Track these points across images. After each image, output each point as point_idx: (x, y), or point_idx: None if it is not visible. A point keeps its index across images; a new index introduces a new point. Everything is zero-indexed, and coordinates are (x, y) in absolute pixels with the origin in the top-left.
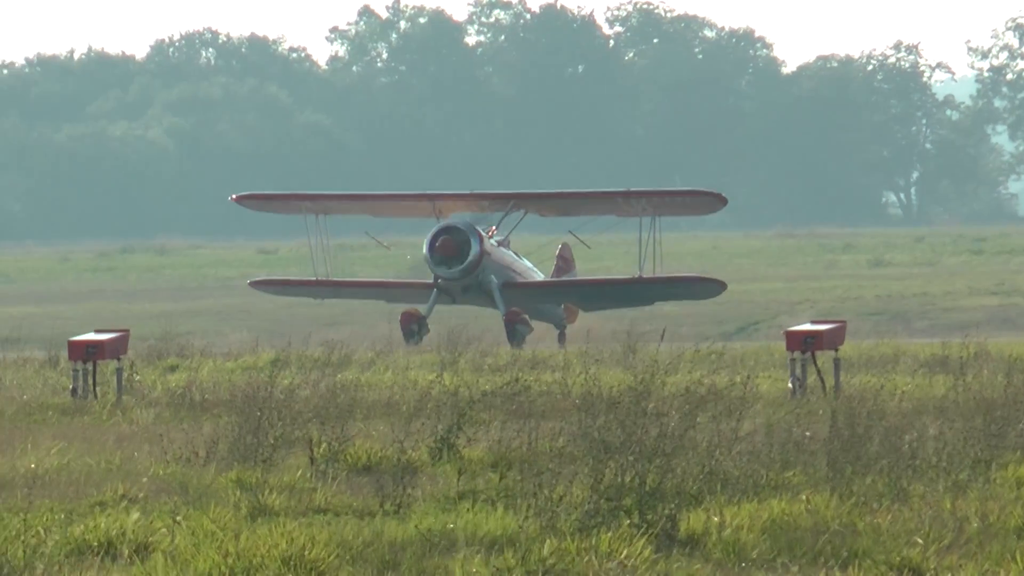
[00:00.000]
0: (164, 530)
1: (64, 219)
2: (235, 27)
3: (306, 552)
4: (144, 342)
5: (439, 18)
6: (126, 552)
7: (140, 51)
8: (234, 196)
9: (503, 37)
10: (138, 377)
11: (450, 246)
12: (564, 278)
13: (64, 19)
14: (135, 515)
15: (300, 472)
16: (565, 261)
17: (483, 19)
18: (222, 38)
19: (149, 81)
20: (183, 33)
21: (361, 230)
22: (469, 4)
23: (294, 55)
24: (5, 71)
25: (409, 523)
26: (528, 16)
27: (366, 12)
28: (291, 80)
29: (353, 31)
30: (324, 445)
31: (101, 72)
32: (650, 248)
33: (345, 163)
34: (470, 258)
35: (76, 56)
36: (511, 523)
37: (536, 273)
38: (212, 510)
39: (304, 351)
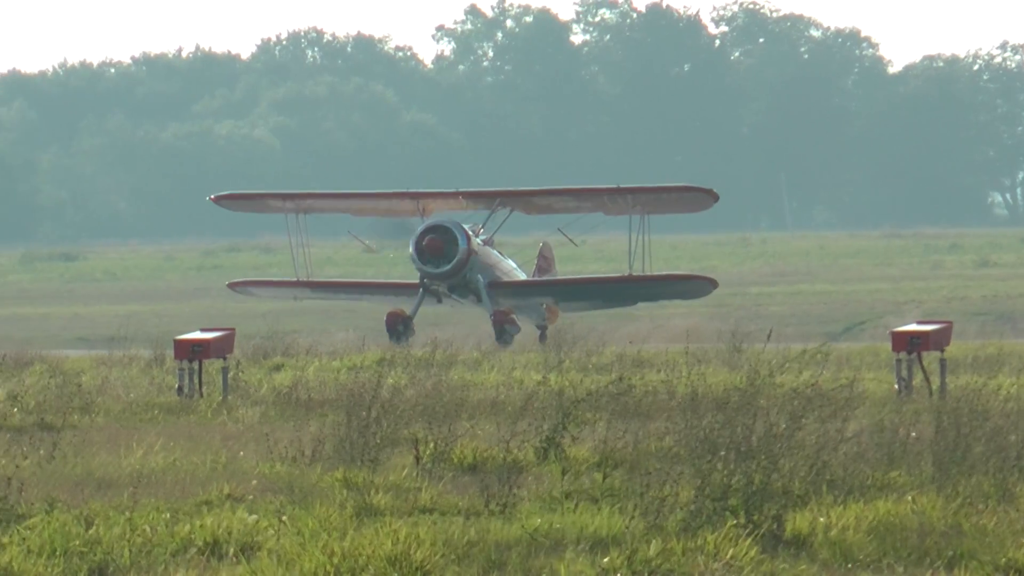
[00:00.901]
0: (270, 529)
1: (169, 217)
2: (341, 26)
3: (411, 552)
4: (250, 341)
5: (544, 17)
6: (231, 551)
7: (246, 50)
8: (212, 196)
9: (608, 36)
10: (244, 376)
11: (437, 245)
12: (547, 277)
13: (170, 18)
14: (241, 514)
15: (406, 472)
16: (546, 260)
17: (589, 18)
18: (327, 37)
19: (255, 80)
20: (289, 32)
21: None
22: (575, 3)
23: (400, 54)
24: (112, 70)
25: (515, 523)
26: (634, 15)
27: (472, 11)
28: (396, 79)
29: (459, 30)
30: (430, 445)
31: (207, 71)
32: (651, 248)
33: (449, 162)
34: (457, 257)
35: (183, 55)
36: (617, 523)
37: (519, 273)
38: (318, 509)
39: (409, 350)
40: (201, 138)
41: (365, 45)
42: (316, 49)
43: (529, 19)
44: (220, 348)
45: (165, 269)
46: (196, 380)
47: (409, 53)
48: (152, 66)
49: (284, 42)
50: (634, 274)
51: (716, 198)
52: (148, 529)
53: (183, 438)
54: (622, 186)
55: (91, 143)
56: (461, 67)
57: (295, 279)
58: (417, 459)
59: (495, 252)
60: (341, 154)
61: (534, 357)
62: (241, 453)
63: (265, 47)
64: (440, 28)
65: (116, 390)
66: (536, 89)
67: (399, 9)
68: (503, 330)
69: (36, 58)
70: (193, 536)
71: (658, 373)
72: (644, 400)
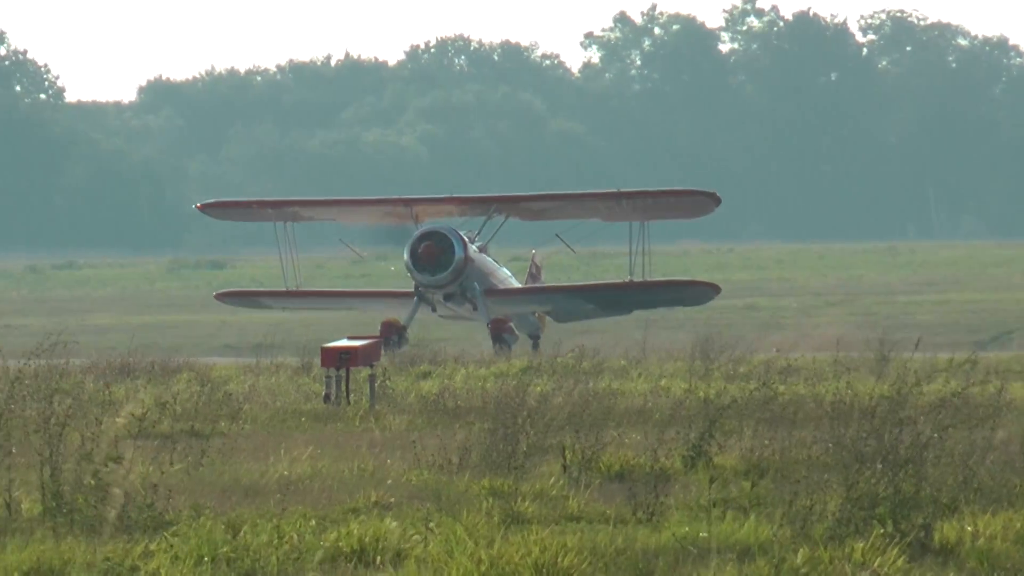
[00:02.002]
0: (417, 537)
1: (317, 225)
2: (488, 33)
3: (559, 560)
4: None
5: (692, 25)
6: (379, 559)
7: (393, 57)
8: (199, 204)
9: (756, 45)
10: (391, 384)
11: (433, 252)
12: (541, 284)
13: (318, 26)
14: (388, 522)
15: (553, 480)
16: (537, 268)
17: (736, 27)
18: (475, 45)
19: (402, 88)
20: (437, 39)
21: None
22: (724, 12)
23: (547, 62)
24: (259, 78)
25: (662, 531)
26: (781, 23)
27: (621, 18)
28: (544, 87)
29: (608, 38)
30: (577, 453)
31: (355, 79)
32: (654, 254)
33: (596, 170)
34: (453, 265)
35: (332, 63)
36: (764, 531)
37: (514, 281)
38: (465, 517)
39: (556, 358)
40: (348, 146)
41: (512, 53)
42: (463, 57)
43: (677, 27)
44: (367, 356)
45: (314, 277)
46: (343, 388)
47: (556, 61)
48: (300, 74)
49: (431, 49)
50: (634, 280)
51: (718, 202)
52: (295, 536)
53: (330, 445)
54: (621, 190)
55: (239, 151)
56: (608, 75)
57: (284, 289)
58: (564, 467)
59: (490, 260)
60: (488, 162)
61: (681, 366)
62: (388, 461)
63: (413, 54)
64: (588, 35)
65: (263, 397)
66: (683, 97)
67: (547, 16)
68: (501, 339)
69: (183, 66)
70: (340, 544)
71: (805, 382)
72: (790, 408)
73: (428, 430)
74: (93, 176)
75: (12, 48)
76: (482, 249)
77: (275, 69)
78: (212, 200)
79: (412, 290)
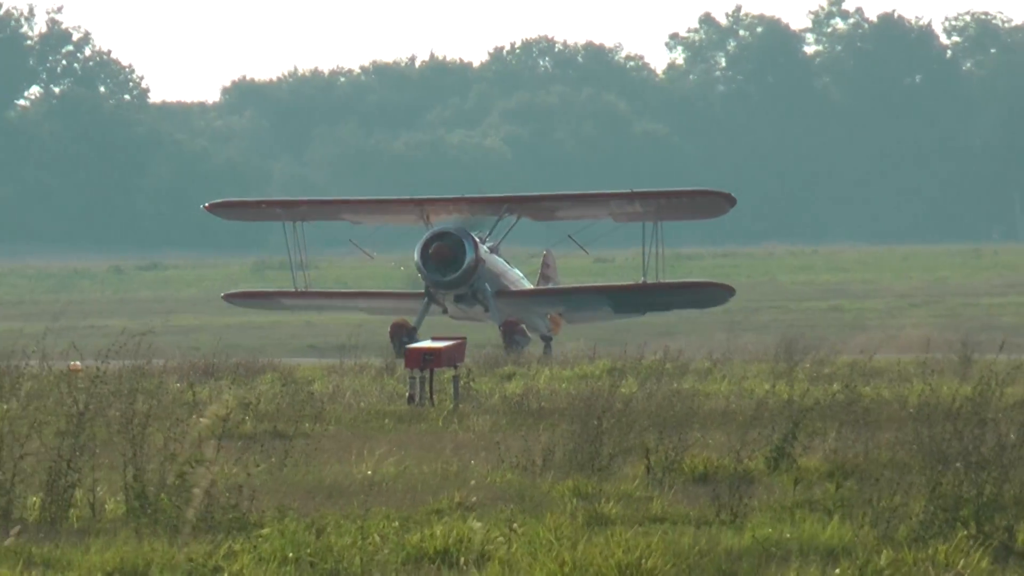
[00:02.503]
0: (501, 538)
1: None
2: (572, 35)
3: (642, 561)
4: (481, 350)
5: (776, 27)
6: (463, 560)
7: (478, 58)
8: (206, 204)
9: (840, 47)
10: (475, 385)
11: (444, 252)
12: (553, 286)
13: (402, 26)
14: (472, 523)
15: (637, 481)
16: (550, 269)
17: (821, 28)
18: (559, 46)
19: (487, 89)
20: (521, 40)
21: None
22: (809, 13)
23: (631, 63)
24: (342, 79)
25: (745, 532)
26: (866, 25)
27: (706, 19)
28: (628, 88)
29: (692, 39)
30: (661, 454)
31: (439, 80)
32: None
33: (681, 171)
34: (465, 265)
35: (416, 64)
36: (847, 533)
37: (525, 282)
38: (549, 519)
39: (640, 359)
40: (433, 147)
41: (596, 54)
42: (548, 58)
43: (761, 29)
44: (451, 357)
45: (397, 277)
46: (427, 389)
47: (641, 63)
48: (383, 75)
49: (516, 51)
50: (648, 282)
51: (733, 202)
52: (378, 538)
53: (414, 446)
54: (634, 191)
55: (323, 152)
56: (692, 76)
57: (293, 289)
58: (648, 468)
59: (502, 260)
60: (572, 163)
61: (765, 367)
62: (472, 462)
63: (497, 56)
64: (674, 36)
65: (347, 398)
66: (767, 99)
67: (631, 18)
68: (512, 341)
69: (267, 66)
70: (424, 545)
71: (889, 383)
72: (874, 410)
73: (512, 431)
74: (177, 177)
75: (97, 49)
76: (493, 250)
77: (359, 70)
78: (220, 200)
79: (423, 291)
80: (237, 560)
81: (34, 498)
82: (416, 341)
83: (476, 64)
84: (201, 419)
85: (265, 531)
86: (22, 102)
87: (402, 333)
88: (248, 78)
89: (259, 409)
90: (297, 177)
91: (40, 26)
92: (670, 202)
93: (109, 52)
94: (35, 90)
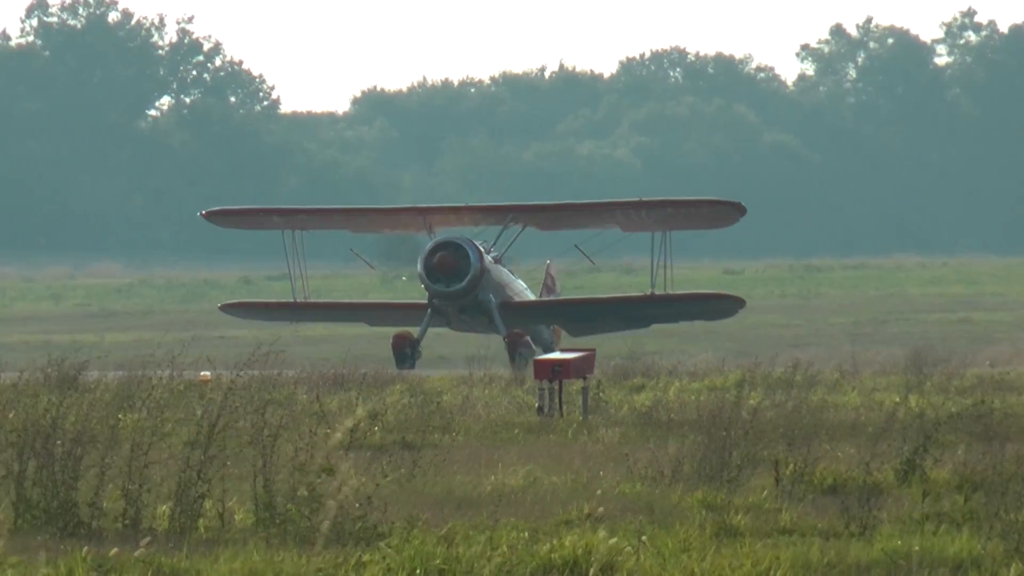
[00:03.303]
0: (629, 549)
1: (531, 237)
2: (702, 46)
3: (771, 573)
4: (610, 361)
5: (906, 39)
6: (591, 571)
7: (608, 69)
8: (203, 212)
9: (971, 58)
10: (604, 396)
11: (448, 262)
12: (556, 297)
13: (531, 37)
14: (601, 534)
15: (765, 493)
16: (552, 280)
17: (952, 40)
18: (690, 57)
19: (617, 100)
20: (651, 51)
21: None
22: (941, 25)
23: (761, 74)
24: (472, 89)
25: (874, 545)
26: (997, 37)
27: (837, 30)
28: (757, 99)
29: (823, 50)
30: (790, 466)
31: (569, 91)
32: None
33: (809, 183)
34: (470, 275)
35: (546, 75)
36: (975, 546)
37: (529, 294)
38: (677, 530)
39: (770, 371)
40: (562, 158)
41: (726, 65)
42: (678, 69)
43: (891, 41)
44: (580, 368)
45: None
46: (556, 400)
47: (771, 74)
48: (513, 86)
49: (646, 62)
50: (656, 293)
51: (743, 211)
52: (507, 549)
53: (543, 457)
54: (643, 199)
55: (453, 162)
56: (822, 88)
57: (292, 300)
58: (777, 480)
59: (506, 271)
60: (702, 175)
61: (895, 379)
62: (601, 473)
63: (627, 67)
64: (804, 47)
65: (476, 409)
66: (897, 111)
67: (761, 28)
68: (517, 353)
69: (397, 76)
70: (553, 556)
71: (1019, 396)
72: (1005, 422)
73: (641, 442)
74: (307, 187)
75: (228, 59)
76: (497, 260)
77: (489, 81)
78: (217, 208)
79: (426, 302)
80: (366, 571)
81: (163, 508)
82: (419, 354)
83: (606, 75)
84: (333, 431)
85: (394, 542)
86: (152, 112)
87: (404, 345)
88: (378, 88)
89: (388, 420)
90: (427, 187)
91: (171, 36)
92: (678, 211)
93: (240, 62)
94: (165, 100)
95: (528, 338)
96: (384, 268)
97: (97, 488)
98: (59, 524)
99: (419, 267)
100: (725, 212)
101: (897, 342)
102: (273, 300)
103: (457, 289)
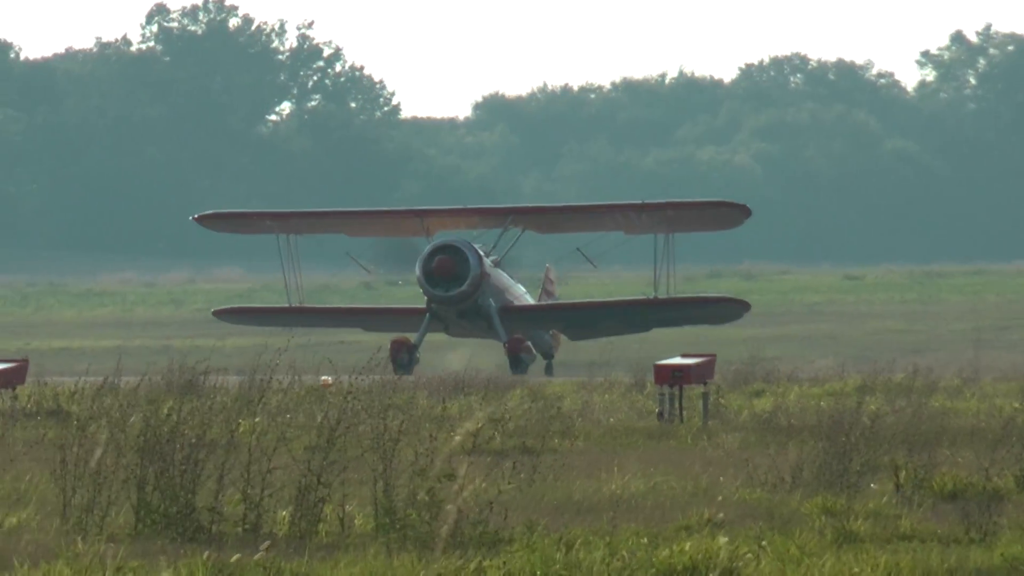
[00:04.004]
0: (749, 555)
1: (648, 243)
2: (823, 52)
3: None
4: (730, 366)
5: None
6: (710, 575)
7: (728, 75)
8: (195, 216)
9: None
10: (724, 401)
11: (448, 266)
12: (560, 301)
13: (651, 43)
14: (720, 539)
15: (885, 499)
16: (552, 284)
17: None
18: (811, 64)
19: (737, 106)
20: (771, 58)
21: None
22: None
23: (882, 81)
24: (592, 95)
25: (995, 551)
26: None
27: (957, 37)
28: (878, 106)
29: (943, 56)
30: (910, 471)
31: (689, 97)
32: (673, 268)
33: (929, 190)
34: (469, 279)
35: (666, 81)
36: None
37: (528, 298)
38: (797, 535)
39: (890, 377)
40: (683, 164)
41: (847, 72)
42: (799, 75)
43: (1012, 47)
44: (700, 374)
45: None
46: (677, 405)
47: (891, 80)
48: (633, 91)
49: (767, 68)
50: (658, 297)
51: (748, 213)
52: (627, 554)
53: (663, 463)
54: (645, 202)
55: (573, 168)
56: (943, 94)
57: (287, 305)
58: (897, 486)
59: (505, 275)
60: (821, 181)
61: (1016, 385)
62: (721, 478)
63: (747, 72)
64: (924, 54)
65: (596, 414)
66: (1018, 117)
67: (882, 35)
68: (518, 359)
69: (518, 82)
70: (672, 561)
71: None
72: None
73: (761, 448)
74: (428, 192)
75: (348, 65)
76: (496, 264)
77: (609, 86)
78: (210, 212)
79: (424, 307)
80: (485, 575)
81: (283, 513)
82: (417, 360)
83: (726, 81)
84: (455, 436)
85: (514, 547)
86: (272, 117)
87: (402, 350)
88: (499, 94)
89: (508, 425)
90: (547, 193)
91: (291, 41)
92: (681, 214)
93: (361, 68)
94: (286, 106)
95: (529, 344)
96: (380, 272)
97: (217, 493)
98: (179, 529)
99: (417, 271)
100: (730, 214)
101: (1018, 348)
102: (266, 306)
103: (457, 293)
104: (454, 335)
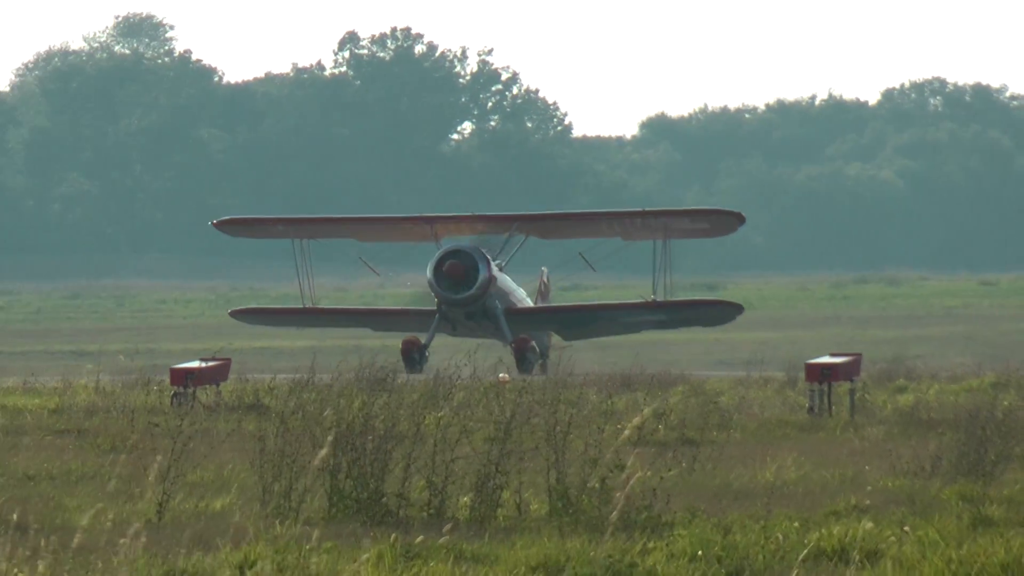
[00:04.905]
0: (892, 538)
1: (801, 252)
2: (961, 75)
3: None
4: (875, 365)
5: None
6: (857, 558)
7: (872, 97)
8: (214, 222)
9: None
10: (869, 397)
11: (458, 270)
12: (548, 303)
13: (802, 67)
14: (867, 524)
15: (1019, 486)
16: (545, 287)
17: None
18: (949, 87)
19: (881, 126)
20: (912, 81)
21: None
22: None
23: (1015, 103)
24: (748, 115)
25: None
26: None
27: None
28: (1012, 126)
29: None
30: None
31: (837, 117)
32: (674, 273)
33: None
34: (479, 282)
35: (816, 102)
36: None
37: (528, 301)
38: (936, 520)
39: (1022, 375)
40: (831, 179)
41: (983, 94)
42: (938, 98)
43: None
44: (848, 371)
45: (798, 299)
46: (826, 400)
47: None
48: (786, 112)
49: (908, 91)
50: (656, 299)
51: (742, 220)
52: (780, 537)
53: (813, 453)
54: (645, 209)
55: (730, 183)
56: None
57: (301, 307)
58: None
59: (509, 279)
60: (959, 195)
61: None
62: (866, 467)
63: (889, 95)
64: None
65: (752, 409)
66: None
67: (1015, 60)
68: (524, 358)
69: (680, 103)
70: (822, 543)
71: None
72: None
73: (903, 440)
74: (597, 204)
75: (524, 88)
76: (501, 268)
77: (764, 107)
78: (227, 217)
79: (433, 308)
80: (651, 556)
81: (464, 499)
82: (426, 359)
83: (871, 102)
84: (623, 429)
85: (677, 530)
86: (455, 136)
87: (413, 350)
88: (663, 114)
89: (671, 418)
90: (706, 205)
91: (472, 66)
92: (679, 221)
93: (536, 91)
94: (467, 125)
95: (533, 343)
96: (389, 275)
97: (404, 480)
98: (369, 513)
99: (429, 274)
100: (725, 221)
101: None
102: (280, 307)
103: (466, 296)
104: (460, 335)
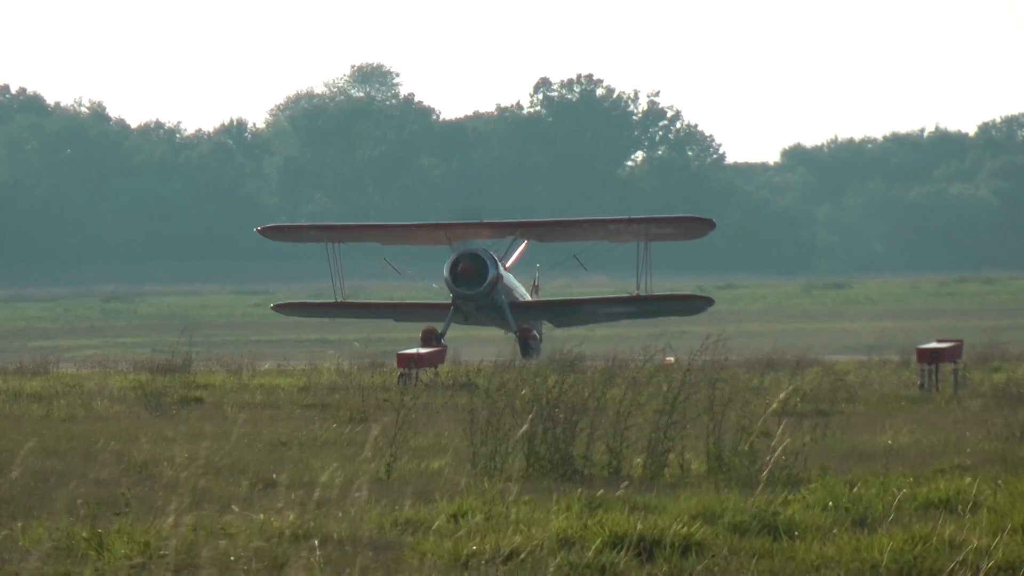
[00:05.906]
0: (988, 491)
1: (913, 257)
2: None
3: None
4: (974, 349)
5: None
6: (960, 507)
7: (971, 128)
8: (258, 228)
9: None
10: (969, 376)
11: (472, 270)
12: (538, 298)
13: (912, 103)
14: (968, 479)
15: None
16: (536, 283)
17: None
18: None
19: (979, 153)
20: (1004, 117)
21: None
22: None
23: None
24: (869, 145)
25: None
26: None
27: None
28: None
29: None
30: None
31: (942, 146)
32: (657, 270)
33: None
34: (488, 280)
35: (925, 133)
36: None
37: (527, 295)
38: None
39: None
40: (937, 196)
41: None
42: None
43: None
44: (952, 355)
45: (911, 295)
46: (934, 379)
47: None
48: (900, 142)
49: (1001, 124)
50: (640, 294)
51: (713, 226)
52: (896, 491)
53: (923, 422)
54: (632, 217)
55: (855, 201)
56: None
57: (335, 301)
58: None
59: (513, 277)
60: None
61: None
62: (967, 434)
63: (984, 128)
64: None
65: (873, 385)
66: None
67: None
68: (527, 346)
69: (815, 133)
70: (931, 496)
71: None
72: None
73: (997, 411)
74: (746, 220)
75: (686, 123)
76: (507, 267)
77: (882, 138)
78: (271, 224)
79: (449, 302)
80: (790, 507)
81: (638, 460)
82: (441, 344)
83: (971, 133)
84: (770, 402)
85: (812, 486)
86: (629, 163)
87: (431, 338)
88: (799, 144)
89: (807, 394)
90: (835, 220)
91: (642, 104)
92: (658, 226)
93: (696, 125)
94: (639, 154)
95: (535, 332)
96: (410, 274)
97: (588, 445)
98: (559, 472)
99: (445, 273)
100: (697, 226)
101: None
102: (317, 301)
103: (478, 292)
104: (471, 324)
